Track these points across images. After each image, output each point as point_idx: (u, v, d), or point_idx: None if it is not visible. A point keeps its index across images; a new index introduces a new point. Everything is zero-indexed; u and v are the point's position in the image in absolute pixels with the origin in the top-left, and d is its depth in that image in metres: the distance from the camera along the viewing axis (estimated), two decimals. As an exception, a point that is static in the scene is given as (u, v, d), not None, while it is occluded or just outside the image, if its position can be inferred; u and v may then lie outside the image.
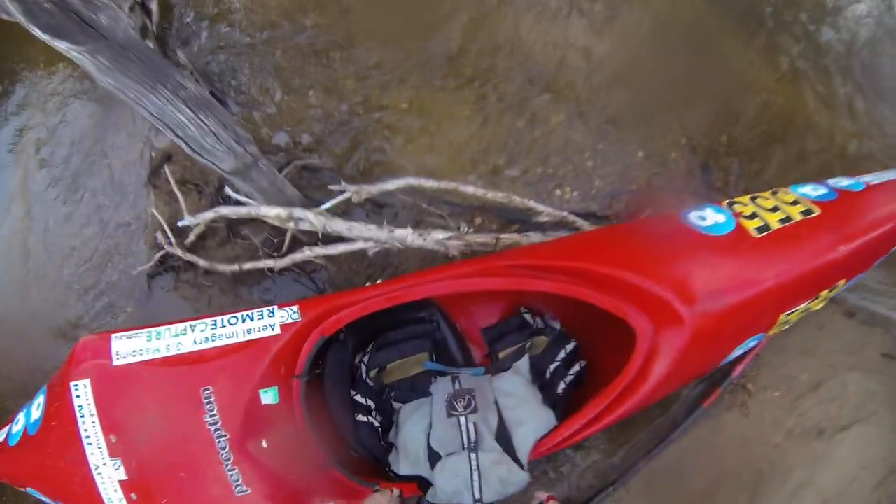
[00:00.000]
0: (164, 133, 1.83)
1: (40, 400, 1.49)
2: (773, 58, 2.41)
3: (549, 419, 1.56)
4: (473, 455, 1.44)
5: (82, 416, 1.37)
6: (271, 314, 1.51)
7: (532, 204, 2.04)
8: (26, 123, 2.62)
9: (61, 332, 2.30)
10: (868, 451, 2.44)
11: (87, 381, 1.38)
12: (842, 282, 1.67)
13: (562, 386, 1.70)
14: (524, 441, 1.49)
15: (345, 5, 2.39)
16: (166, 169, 2.28)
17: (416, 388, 1.71)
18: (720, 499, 2.19)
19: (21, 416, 1.54)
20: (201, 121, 1.77)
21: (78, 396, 1.38)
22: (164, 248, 2.09)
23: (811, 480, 2.27)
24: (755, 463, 2.20)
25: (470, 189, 2.01)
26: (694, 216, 1.59)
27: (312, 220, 2.02)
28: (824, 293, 1.63)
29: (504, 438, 1.49)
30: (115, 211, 2.38)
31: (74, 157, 2.50)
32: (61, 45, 1.56)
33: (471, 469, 1.42)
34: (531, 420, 1.54)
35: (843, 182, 1.78)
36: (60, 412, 1.40)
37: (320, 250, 2.10)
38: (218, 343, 1.45)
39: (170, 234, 2.08)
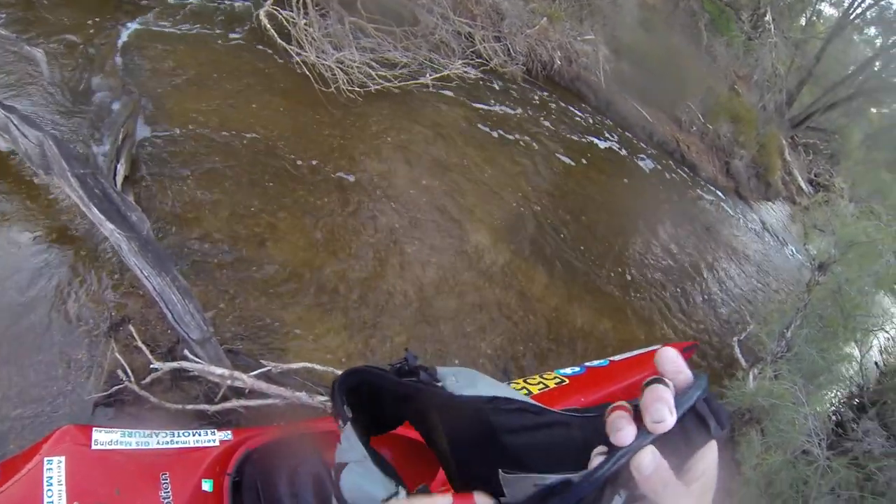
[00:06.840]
0: (132, 300, 2.66)
1: None
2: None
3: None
4: None
5: (50, 486, 1.77)
6: (213, 433, 2.18)
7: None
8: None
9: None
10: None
11: (62, 458, 1.85)
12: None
13: None
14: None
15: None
16: (130, 328, 2.96)
17: None
18: None
19: None
20: (185, 301, 2.62)
21: (49, 469, 1.79)
22: (122, 383, 2.67)
23: None
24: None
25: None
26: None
27: (245, 380, 2.77)
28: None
29: None
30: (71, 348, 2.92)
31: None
32: (110, 226, 2.46)
33: None
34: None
35: (595, 362, 2.90)
36: (23, 483, 1.73)
37: (245, 401, 2.80)
38: (175, 446, 2.07)
39: (130, 373, 2.69)
